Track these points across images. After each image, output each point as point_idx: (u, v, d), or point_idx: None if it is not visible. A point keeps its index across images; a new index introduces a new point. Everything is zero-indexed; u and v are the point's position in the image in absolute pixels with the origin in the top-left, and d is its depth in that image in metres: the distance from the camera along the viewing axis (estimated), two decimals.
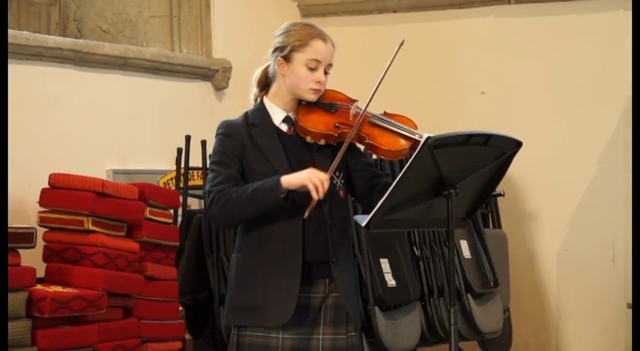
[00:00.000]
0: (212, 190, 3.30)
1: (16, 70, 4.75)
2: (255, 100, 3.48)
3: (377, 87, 3.32)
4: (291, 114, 3.40)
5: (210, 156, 3.44)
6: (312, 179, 3.20)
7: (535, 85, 6.08)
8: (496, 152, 3.26)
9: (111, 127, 5.31)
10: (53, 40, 5.04)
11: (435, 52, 6.32)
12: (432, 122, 5.30)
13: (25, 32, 4.93)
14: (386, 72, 3.32)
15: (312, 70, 3.34)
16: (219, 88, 5.95)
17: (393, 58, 3.31)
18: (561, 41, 6.03)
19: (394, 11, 6.46)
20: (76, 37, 5.79)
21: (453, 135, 3.15)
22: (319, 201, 3.25)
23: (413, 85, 6.24)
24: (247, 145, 3.35)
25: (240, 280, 3.36)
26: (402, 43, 3.32)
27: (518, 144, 3.27)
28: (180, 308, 4.73)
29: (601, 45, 5.92)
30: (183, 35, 5.88)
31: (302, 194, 3.26)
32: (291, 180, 3.23)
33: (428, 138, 3.10)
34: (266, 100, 3.43)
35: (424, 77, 6.30)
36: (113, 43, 5.53)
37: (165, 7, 5.87)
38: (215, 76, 5.91)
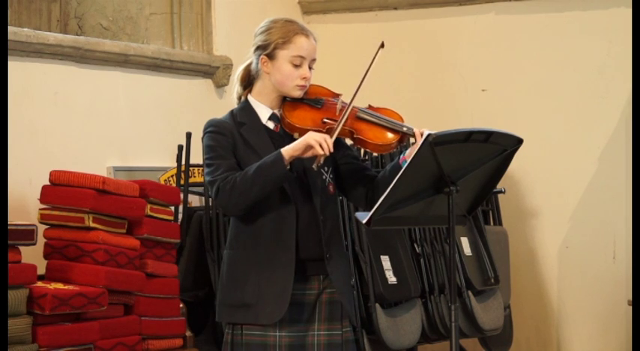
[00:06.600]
0: (216, 180, 3.26)
1: (16, 67, 4.74)
2: (239, 98, 3.47)
3: (360, 84, 3.32)
4: (276, 111, 3.39)
5: (203, 153, 3.39)
6: (314, 137, 3.19)
7: (536, 82, 6.08)
8: (497, 149, 3.26)
9: (111, 124, 5.31)
10: (54, 37, 5.03)
11: (436, 49, 6.31)
12: (433, 119, 5.33)
13: (25, 29, 4.93)
14: (368, 70, 3.33)
15: (296, 66, 3.33)
16: (220, 85, 5.95)
17: (373, 59, 3.33)
18: (562, 38, 6.02)
19: (395, 8, 6.45)
20: (77, 34, 5.79)
21: (453, 132, 3.15)
22: (312, 197, 3.29)
23: (413, 82, 6.24)
24: (238, 142, 3.33)
25: (233, 276, 3.35)
26: (382, 46, 3.35)
27: (519, 141, 3.27)
28: (181, 305, 4.73)
29: (602, 42, 5.91)
30: (184, 32, 5.88)
31: (300, 190, 3.28)
32: (292, 147, 3.21)
33: (429, 135, 3.10)
34: (251, 99, 3.41)
35: (425, 74, 6.29)
36: (114, 40, 5.53)
37: (165, 4, 5.87)
38: (216, 73, 5.90)
